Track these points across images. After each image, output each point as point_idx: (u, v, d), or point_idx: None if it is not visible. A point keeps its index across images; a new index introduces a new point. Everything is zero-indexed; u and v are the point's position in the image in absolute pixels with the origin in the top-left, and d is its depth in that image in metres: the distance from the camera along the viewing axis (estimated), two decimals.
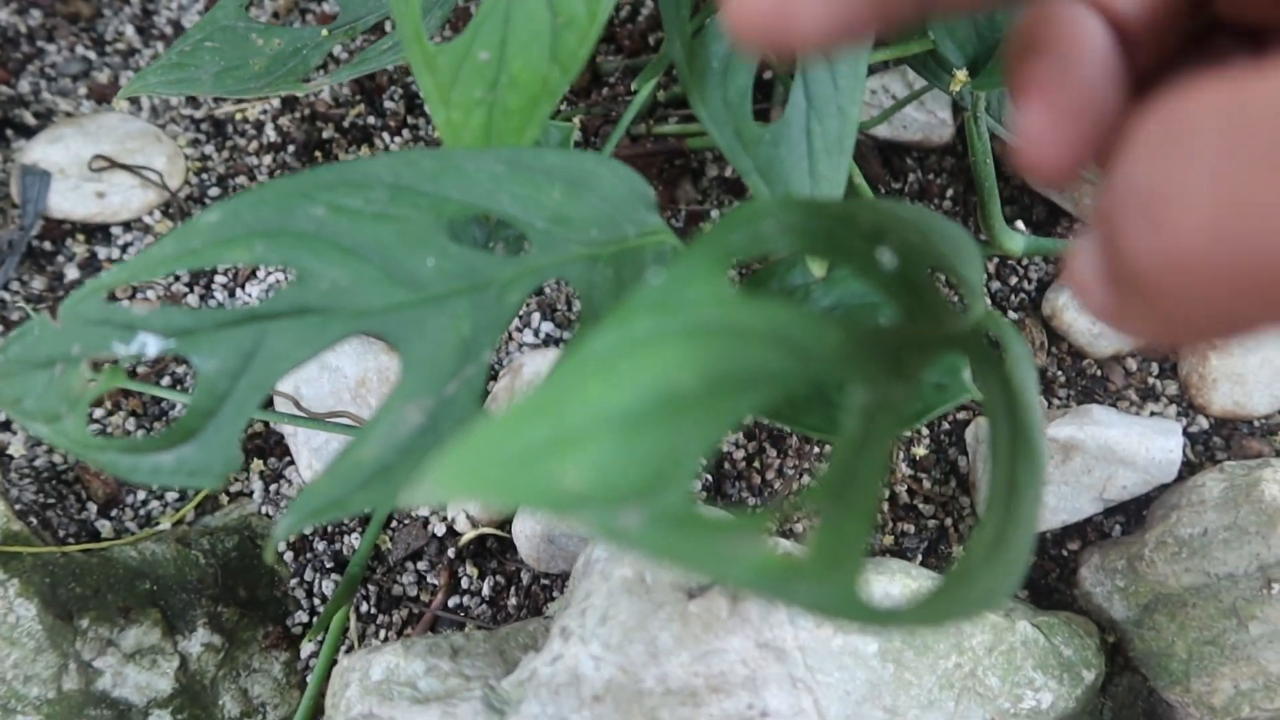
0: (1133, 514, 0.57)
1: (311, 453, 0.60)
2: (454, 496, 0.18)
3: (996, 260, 0.63)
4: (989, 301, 0.62)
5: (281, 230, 0.35)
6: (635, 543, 0.19)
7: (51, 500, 0.57)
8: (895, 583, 0.47)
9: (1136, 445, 0.54)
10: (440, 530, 0.58)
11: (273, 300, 0.33)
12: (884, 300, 0.27)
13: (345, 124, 0.71)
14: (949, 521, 0.58)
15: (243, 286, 0.66)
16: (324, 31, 0.48)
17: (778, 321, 0.23)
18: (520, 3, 0.36)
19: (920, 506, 0.59)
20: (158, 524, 0.59)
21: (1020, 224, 0.63)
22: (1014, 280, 0.62)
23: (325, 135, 0.71)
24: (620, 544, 0.19)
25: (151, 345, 0.33)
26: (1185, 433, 0.58)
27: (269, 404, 0.62)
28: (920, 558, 0.57)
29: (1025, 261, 0.63)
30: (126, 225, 0.68)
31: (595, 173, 0.38)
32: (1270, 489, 0.46)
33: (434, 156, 0.37)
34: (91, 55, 0.73)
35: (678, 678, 0.41)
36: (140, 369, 0.62)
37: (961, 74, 0.49)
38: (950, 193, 0.66)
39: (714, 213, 0.68)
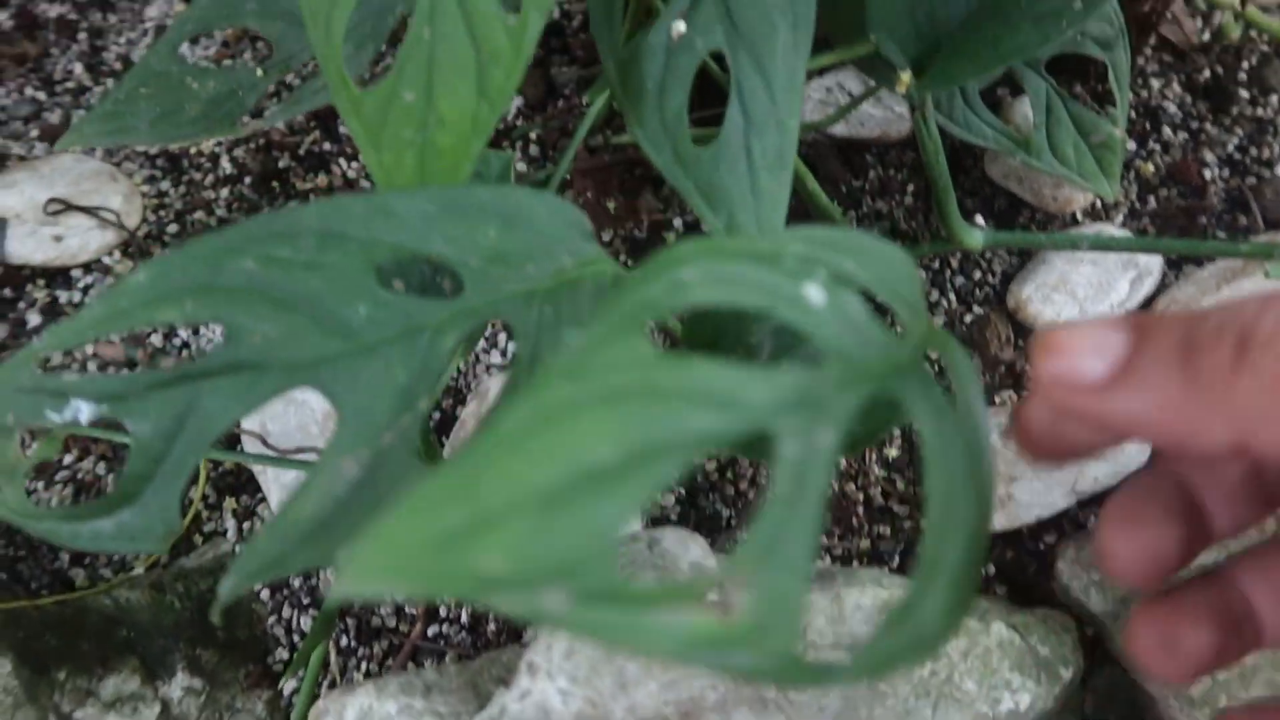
0: None
1: (283, 489, 0.59)
2: (373, 589, 0.17)
3: (959, 254, 0.63)
4: (954, 298, 0.62)
5: (211, 286, 0.34)
6: (560, 623, 0.19)
7: (22, 553, 0.57)
8: (866, 594, 0.47)
9: None
10: None
11: (205, 359, 0.33)
12: (813, 343, 0.27)
13: (301, 152, 0.71)
14: (925, 521, 0.58)
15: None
16: (259, 71, 0.47)
17: (697, 378, 0.23)
18: (443, 41, 0.36)
19: (895, 508, 0.58)
20: (132, 569, 0.58)
21: (980, 218, 0.63)
22: (977, 274, 0.62)
23: (281, 164, 0.70)
24: (545, 624, 0.19)
25: (85, 412, 0.33)
26: None
27: (236, 441, 0.61)
28: (897, 560, 0.57)
29: (988, 254, 0.63)
30: (86, 267, 0.67)
31: (530, 207, 0.38)
32: None
33: (363, 200, 0.36)
34: (41, 96, 0.72)
35: (648, 707, 0.41)
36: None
37: (906, 75, 0.48)
38: (911, 188, 0.66)
39: (676, 221, 0.68)
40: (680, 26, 0.40)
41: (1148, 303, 0.60)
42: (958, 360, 0.33)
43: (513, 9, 0.46)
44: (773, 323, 0.44)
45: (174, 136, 0.45)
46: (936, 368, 0.62)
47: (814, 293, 0.28)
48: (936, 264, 0.63)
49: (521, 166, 0.70)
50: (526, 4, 0.36)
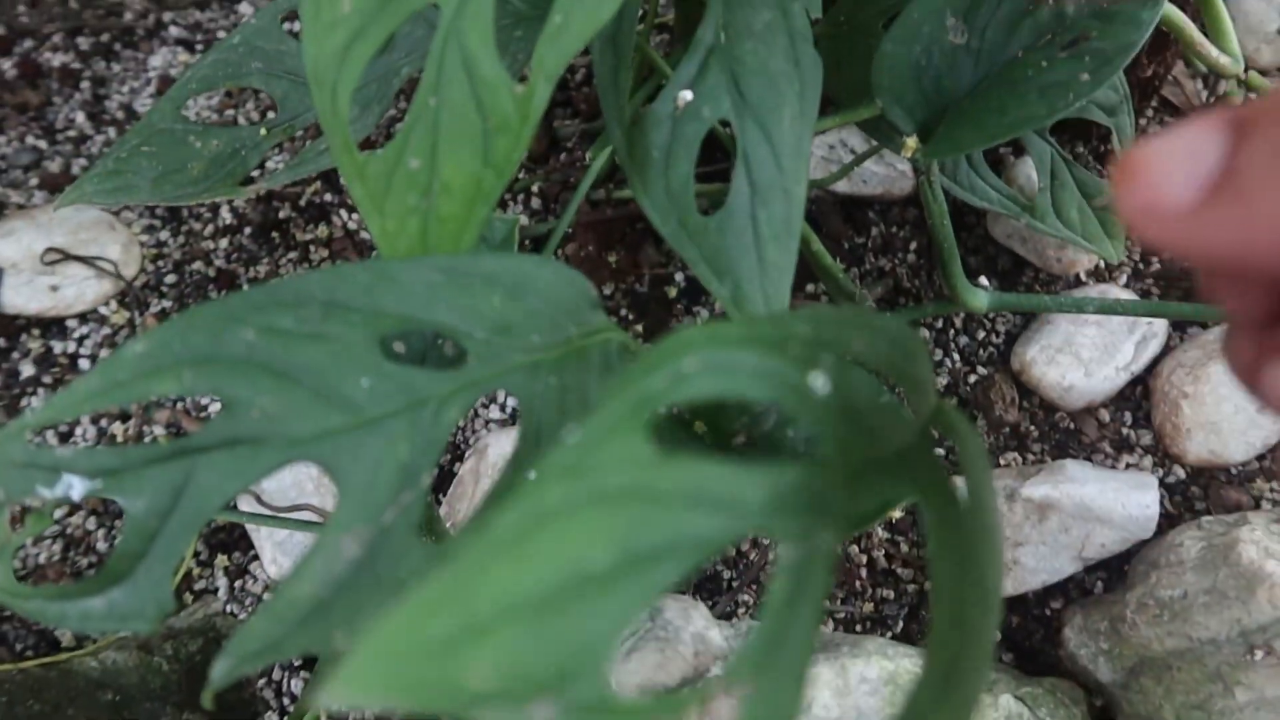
0: (1114, 569, 0.56)
1: (275, 546, 0.58)
2: (364, 700, 0.17)
3: (963, 313, 0.63)
4: (958, 357, 0.61)
5: (211, 357, 0.34)
6: None
7: (6, 613, 0.56)
8: (871, 666, 0.46)
9: (1113, 502, 0.53)
10: None
11: (201, 433, 0.32)
12: (817, 434, 0.26)
13: (302, 202, 0.70)
14: (928, 585, 0.57)
15: None
16: (262, 131, 0.47)
17: (696, 479, 0.22)
18: (448, 108, 0.35)
19: (899, 571, 0.57)
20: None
21: (984, 279, 0.63)
22: (981, 334, 0.62)
23: (282, 215, 0.70)
24: None
25: (77, 487, 0.32)
26: (1163, 483, 0.57)
27: None
28: (901, 624, 0.56)
29: (992, 314, 0.63)
30: (82, 317, 0.67)
31: (536, 275, 0.38)
32: (1247, 551, 0.45)
33: (368, 269, 0.36)
34: (42, 144, 0.72)
35: None
36: None
37: (912, 141, 0.48)
38: (914, 245, 0.66)
39: (678, 275, 0.68)
40: (686, 95, 0.40)
41: (1153, 365, 0.59)
42: (966, 440, 0.32)
43: (519, 76, 0.46)
44: None
45: (175, 196, 0.45)
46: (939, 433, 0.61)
47: (819, 381, 0.28)
48: (940, 323, 0.62)
49: (524, 219, 0.70)
50: (534, 73, 0.36)
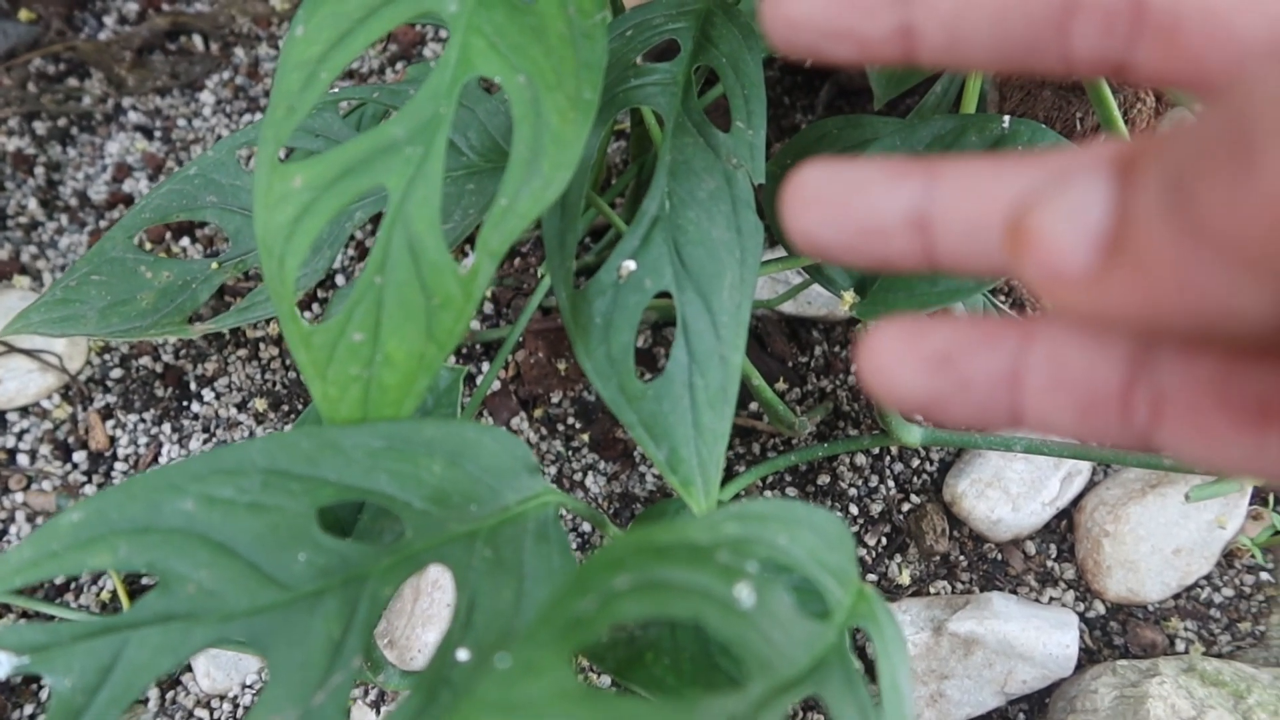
0: (1036, 703, 0.57)
1: (209, 659, 0.58)
2: None
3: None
4: (893, 484, 0.63)
5: (148, 527, 0.34)
6: None
7: None
8: None
9: (1034, 640, 0.55)
10: None
11: (135, 609, 0.33)
12: (740, 652, 0.27)
13: None
14: None
15: None
16: (214, 264, 0.48)
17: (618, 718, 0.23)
18: (394, 288, 0.36)
19: None
20: None
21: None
22: (915, 462, 0.64)
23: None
24: None
25: (4, 664, 0.32)
26: (1084, 617, 0.59)
27: None
28: None
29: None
30: (24, 411, 0.66)
31: (477, 442, 0.38)
32: (1155, 709, 0.47)
33: (310, 436, 0.37)
34: None
35: None
36: None
37: (849, 295, 0.50)
38: (854, 367, 0.68)
39: None
40: (630, 265, 0.42)
41: (1077, 499, 0.61)
42: (884, 631, 0.34)
43: (470, 228, 0.47)
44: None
45: (121, 331, 0.45)
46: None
47: (744, 594, 0.29)
48: (877, 450, 0.64)
49: (476, 324, 0.71)
50: (479, 251, 0.37)
